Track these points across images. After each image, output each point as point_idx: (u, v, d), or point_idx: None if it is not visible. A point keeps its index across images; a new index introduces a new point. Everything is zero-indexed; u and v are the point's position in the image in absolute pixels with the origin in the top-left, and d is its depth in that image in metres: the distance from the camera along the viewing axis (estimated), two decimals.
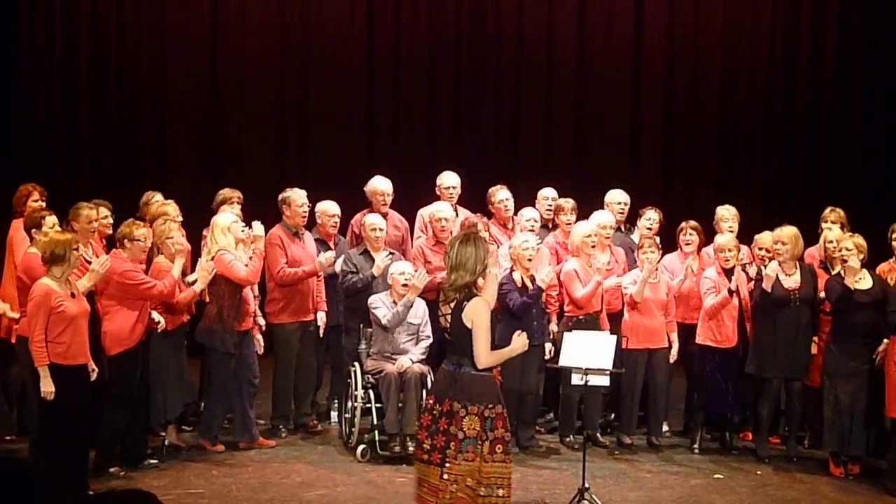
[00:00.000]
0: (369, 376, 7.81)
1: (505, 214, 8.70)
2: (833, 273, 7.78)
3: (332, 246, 8.48)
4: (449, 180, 8.87)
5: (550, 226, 8.82)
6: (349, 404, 7.91)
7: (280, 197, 8.32)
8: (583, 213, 8.62)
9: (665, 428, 8.39)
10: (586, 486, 6.55)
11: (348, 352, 8.20)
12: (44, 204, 7.78)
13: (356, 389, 7.79)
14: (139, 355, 7.16)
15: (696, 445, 8.08)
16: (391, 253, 8.22)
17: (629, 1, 11.35)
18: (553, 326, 8.13)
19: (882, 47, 11.22)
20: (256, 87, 11.43)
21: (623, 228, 8.85)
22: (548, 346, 7.87)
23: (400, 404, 7.64)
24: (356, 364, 7.93)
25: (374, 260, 8.15)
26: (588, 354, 6.77)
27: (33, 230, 7.17)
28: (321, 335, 8.33)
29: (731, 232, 8.33)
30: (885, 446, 7.49)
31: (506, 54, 11.45)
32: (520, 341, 5.61)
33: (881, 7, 11.25)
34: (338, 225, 8.53)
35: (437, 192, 8.87)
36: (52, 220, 7.16)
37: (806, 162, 11.36)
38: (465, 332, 5.40)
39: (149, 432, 7.66)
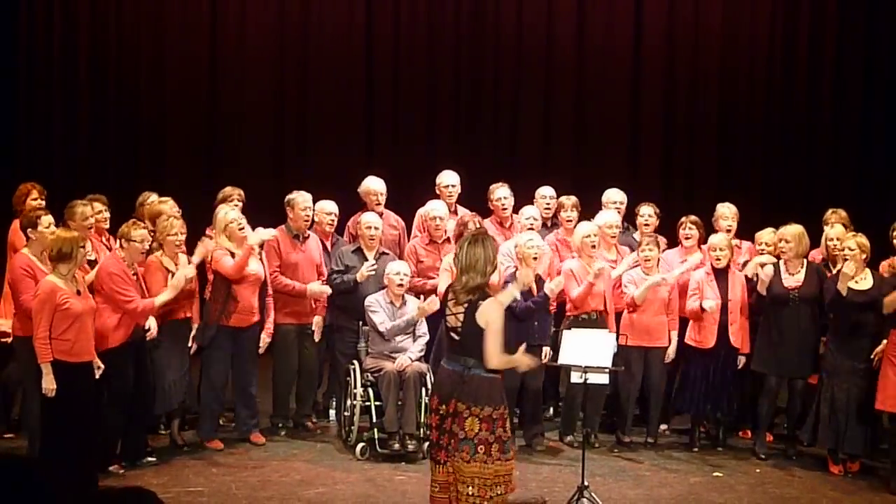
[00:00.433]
0: (368, 374, 7.82)
1: (503, 213, 8.70)
2: (833, 272, 7.79)
3: (328, 246, 8.49)
4: (448, 179, 8.87)
5: (549, 224, 8.83)
6: (348, 402, 7.92)
7: (286, 199, 8.34)
8: (583, 212, 8.63)
9: (663, 426, 8.39)
10: (586, 484, 6.54)
11: (340, 351, 8.20)
12: (43, 203, 7.79)
13: (355, 388, 7.79)
14: (130, 355, 7.10)
15: (694, 444, 8.10)
16: (385, 253, 8.21)
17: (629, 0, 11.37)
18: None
19: (881, 46, 11.22)
20: (255, 87, 11.44)
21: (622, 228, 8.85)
22: (546, 349, 7.83)
23: (399, 402, 7.65)
24: (355, 362, 7.93)
25: (365, 259, 8.16)
26: (587, 353, 6.77)
27: (29, 229, 7.17)
28: (316, 339, 8.28)
29: (729, 231, 8.33)
30: (880, 444, 7.50)
31: (505, 53, 11.45)
32: (527, 359, 5.69)
33: (880, 6, 11.25)
34: (334, 224, 8.52)
35: (437, 192, 8.87)
36: (47, 219, 7.15)
37: (805, 160, 11.36)
38: (477, 331, 5.41)
39: (149, 430, 7.67)
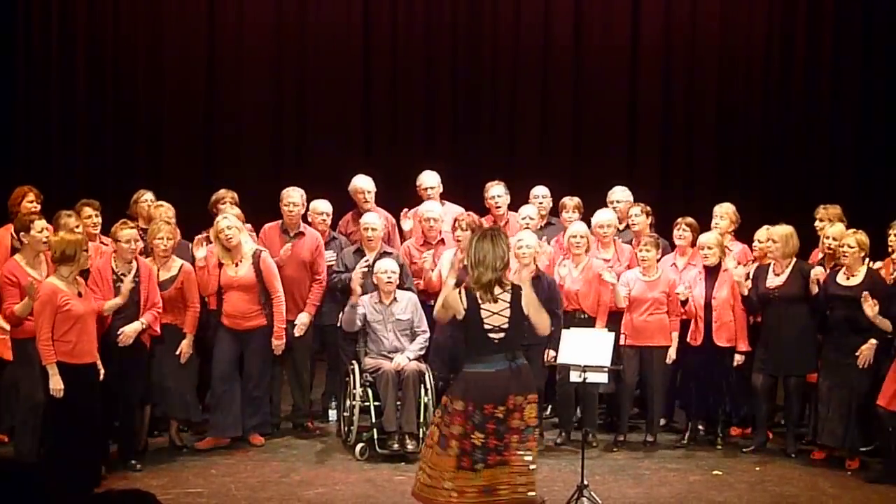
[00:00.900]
0: (367, 374, 7.81)
1: (497, 211, 8.69)
2: (828, 270, 7.83)
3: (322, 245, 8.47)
4: (427, 180, 8.85)
5: (543, 224, 8.82)
6: (347, 403, 7.91)
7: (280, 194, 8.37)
8: (583, 212, 8.65)
9: (662, 422, 8.38)
10: (585, 483, 6.55)
11: (344, 351, 8.18)
12: (38, 206, 7.78)
13: (354, 388, 7.79)
14: (110, 358, 7.04)
15: (684, 440, 8.13)
16: (387, 253, 8.19)
17: None
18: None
19: (879, 43, 11.22)
20: (253, 87, 11.42)
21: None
22: (549, 351, 7.70)
23: (398, 402, 7.65)
24: (355, 363, 7.93)
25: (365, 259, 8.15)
26: (586, 352, 6.77)
27: (21, 233, 7.17)
28: (296, 335, 8.14)
29: (715, 227, 8.34)
30: (865, 438, 7.56)
31: (503, 53, 11.44)
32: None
33: (877, 4, 11.25)
34: (326, 222, 8.50)
35: (419, 193, 8.86)
36: (40, 223, 7.14)
37: (804, 159, 11.35)
38: (523, 321, 5.65)
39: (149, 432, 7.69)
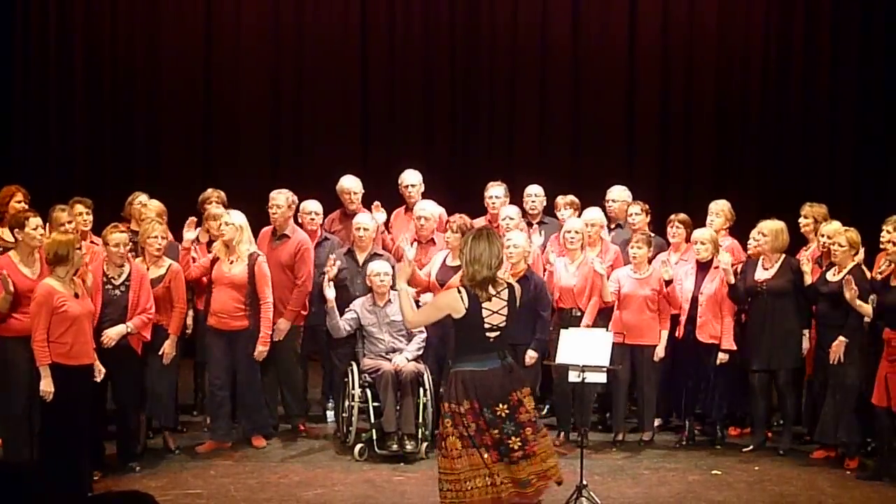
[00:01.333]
0: (366, 375, 7.81)
1: (493, 211, 8.70)
2: (824, 267, 7.88)
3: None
4: (409, 178, 8.85)
5: (536, 222, 8.83)
6: (346, 403, 7.91)
7: None
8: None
9: (657, 422, 8.38)
10: (584, 483, 6.55)
11: (336, 353, 8.17)
12: (27, 206, 7.77)
13: (353, 388, 7.78)
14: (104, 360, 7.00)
15: (683, 441, 8.13)
16: (378, 255, 8.17)
17: None
18: None
19: (876, 41, 11.20)
20: (250, 89, 11.43)
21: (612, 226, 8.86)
22: (530, 352, 7.70)
23: (397, 403, 7.64)
24: (353, 364, 7.92)
25: (356, 260, 8.16)
26: (585, 351, 6.76)
27: (16, 230, 7.17)
28: (275, 339, 8.02)
29: (710, 225, 8.36)
30: (858, 435, 7.58)
31: (501, 52, 11.42)
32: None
33: (875, 1, 11.24)
34: (315, 222, 8.47)
35: (400, 191, 8.85)
36: (35, 221, 7.12)
37: (802, 157, 11.35)
38: (515, 318, 5.72)
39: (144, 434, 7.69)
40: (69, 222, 7.49)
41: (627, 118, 11.50)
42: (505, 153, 11.38)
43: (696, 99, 11.43)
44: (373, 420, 7.73)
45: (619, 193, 8.88)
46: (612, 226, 8.81)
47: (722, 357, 7.93)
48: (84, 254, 6.87)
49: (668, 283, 7.97)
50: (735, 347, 7.96)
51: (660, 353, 8.03)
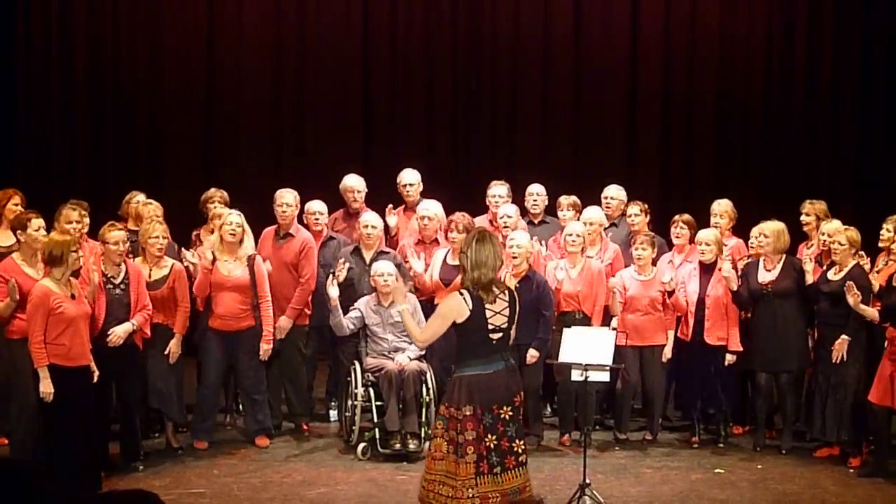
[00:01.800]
0: (369, 374, 7.82)
1: (494, 210, 8.71)
2: (825, 266, 7.90)
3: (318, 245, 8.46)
4: (407, 178, 8.86)
5: (537, 221, 8.84)
6: (349, 403, 7.91)
7: None
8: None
9: (661, 420, 8.38)
10: (587, 481, 6.56)
11: (343, 352, 8.18)
12: (22, 208, 7.78)
13: (356, 388, 7.79)
14: (106, 359, 7.01)
15: (695, 439, 8.11)
16: (384, 252, 8.19)
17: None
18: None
19: (879, 41, 11.22)
20: (252, 89, 11.43)
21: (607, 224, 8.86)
22: (531, 351, 7.75)
23: (400, 402, 7.65)
24: (356, 363, 7.93)
25: (363, 259, 8.16)
26: (588, 350, 6.77)
27: (18, 231, 7.18)
28: (277, 336, 8.04)
29: (716, 226, 8.35)
30: (859, 433, 7.58)
31: (502, 52, 11.43)
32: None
33: (877, 1, 11.24)
34: (320, 222, 8.48)
35: (398, 190, 8.86)
36: (38, 222, 7.16)
37: (804, 157, 11.35)
38: (515, 321, 5.71)
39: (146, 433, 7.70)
40: (77, 221, 7.49)
41: (629, 118, 11.50)
42: (506, 153, 11.39)
43: (697, 99, 11.43)
44: (376, 419, 7.74)
45: (616, 192, 8.91)
46: (608, 224, 8.81)
47: (730, 359, 7.95)
48: (82, 255, 6.83)
49: (671, 293, 7.94)
50: (741, 348, 7.97)
51: (667, 353, 8.04)
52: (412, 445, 7.60)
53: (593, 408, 8.16)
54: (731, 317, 7.98)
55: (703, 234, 8.12)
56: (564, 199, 8.75)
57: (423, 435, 7.61)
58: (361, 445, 7.68)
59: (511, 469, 5.57)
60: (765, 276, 7.92)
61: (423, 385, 7.73)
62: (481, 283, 5.57)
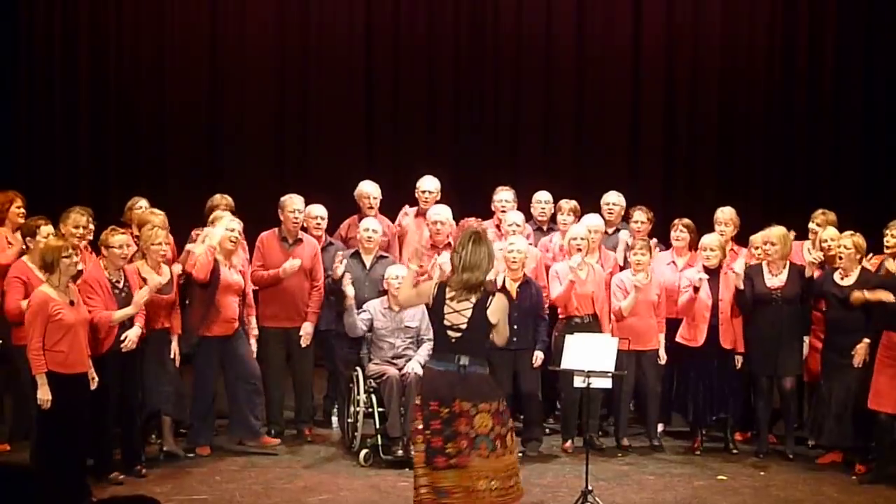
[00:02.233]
0: (371, 381, 7.81)
1: (501, 215, 8.71)
2: (826, 271, 7.89)
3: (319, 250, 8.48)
4: (425, 184, 8.86)
5: (545, 228, 8.84)
6: (351, 409, 7.91)
7: (280, 201, 8.35)
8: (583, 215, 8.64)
9: (660, 428, 8.37)
10: (589, 488, 6.55)
11: (341, 358, 8.18)
12: (25, 212, 7.79)
13: (358, 394, 7.78)
14: (115, 363, 7.03)
15: (696, 446, 8.09)
16: (383, 257, 8.19)
17: (628, 1, 11.36)
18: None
19: (882, 45, 11.22)
20: (256, 94, 11.46)
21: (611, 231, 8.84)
22: (537, 353, 7.79)
23: (402, 408, 7.64)
24: (358, 369, 7.92)
25: (363, 263, 8.16)
26: (590, 357, 6.76)
27: (28, 238, 7.18)
28: (303, 345, 8.21)
29: (721, 235, 8.34)
30: (862, 438, 7.55)
31: (505, 56, 11.46)
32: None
33: (880, 5, 11.25)
34: (321, 227, 8.50)
35: (416, 196, 8.87)
36: (47, 229, 7.19)
37: (806, 162, 11.36)
38: (485, 327, 5.56)
39: (144, 438, 7.67)
40: (84, 227, 7.48)
41: (632, 123, 11.52)
42: (509, 157, 11.40)
43: (700, 103, 11.45)
44: (378, 425, 7.73)
45: (618, 198, 8.90)
46: (612, 231, 8.81)
47: (741, 361, 7.97)
48: (74, 262, 6.76)
49: (697, 289, 7.89)
50: (745, 351, 7.99)
51: (663, 355, 8.05)
52: (414, 453, 7.57)
53: (598, 415, 8.16)
54: (738, 319, 7.98)
55: (707, 240, 8.10)
56: (565, 204, 8.73)
57: None
58: (364, 452, 7.67)
59: (441, 469, 5.51)
60: (772, 281, 7.90)
61: None
62: (469, 284, 5.54)
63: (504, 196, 8.76)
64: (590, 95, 11.49)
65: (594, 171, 11.10)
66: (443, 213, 8.48)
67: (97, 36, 11.38)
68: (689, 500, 7.02)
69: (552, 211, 8.92)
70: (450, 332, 5.57)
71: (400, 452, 7.59)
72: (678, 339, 8.06)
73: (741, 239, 8.62)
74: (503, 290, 7.54)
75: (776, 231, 7.95)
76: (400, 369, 7.76)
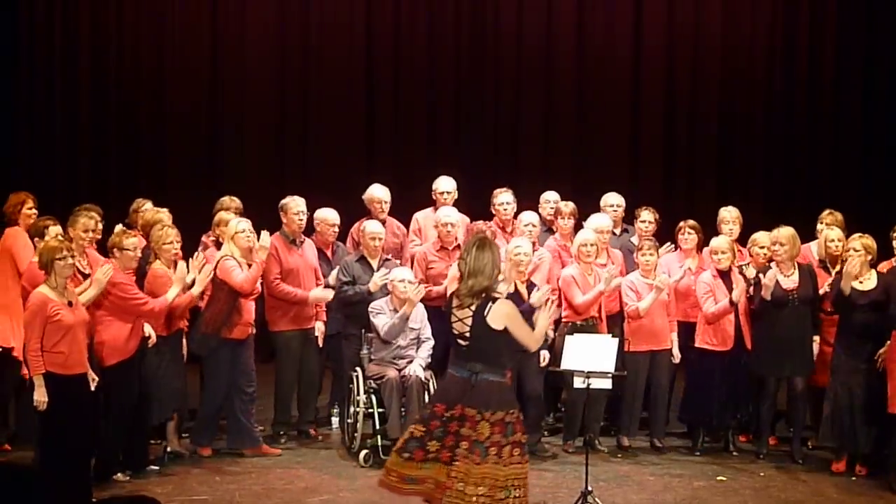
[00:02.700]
0: (371, 381, 7.81)
1: (504, 218, 8.71)
2: (834, 272, 7.83)
3: (329, 254, 8.50)
4: (443, 185, 8.88)
5: (555, 228, 8.85)
6: (351, 410, 7.91)
7: (280, 204, 8.34)
8: (584, 216, 8.63)
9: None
10: (589, 489, 6.56)
11: (348, 359, 8.19)
12: (37, 212, 7.79)
13: (358, 395, 7.79)
14: (136, 367, 7.09)
15: (696, 448, 8.08)
16: (387, 259, 8.26)
17: (628, 3, 11.37)
18: (549, 332, 8.08)
19: (882, 47, 11.23)
20: (256, 94, 11.47)
21: (618, 231, 8.86)
22: (543, 353, 7.80)
23: (402, 409, 7.64)
24: (358, 369, 7.93)
25: (371, 267, 8.17)
26: (590, 357, 6.76)
27: (36, 239, 7.19)
28: (319, 345, 8.31)
29: (730, 235, 8.34)
30: (885, 444, 7.46)
31: (505, 58, 11.47)
32: (545, 316, 5.85)
33: (880, 7, 11.25)
34: (337, 234, 8.54)
35: (433, 197, 8.89)
36: (55, 229, 7.20)
37: (807, 162, 11.37)
38: (489, 334, 5.46)
39: (149, 439, 7.66)
40: (93, 230, 7.48)
41: (632, 124, 11.52)
42: (510, 158, 11.41)
43: (700, 105, 11.46)
44: (378, 426, 7.73)
45: (620, 199, 8.91)
46: (619, 232, 8.83)
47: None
48: (71, 264, 6.75)
49: (733, 302, 7.83)
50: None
51: (677, 354, 8.07)
52: None
53: (600, 417, 8.16)
54: (746, 321, 7.99)
55: (717, 243, 8.07)
56: (565, 207, 8.72)
57: None
58: (363, 452, 7.67)
59: (417, 461, 5.47)
60: (786, 282, 7.82)
61: (426, 392, 7.71)
62: (473, 290, 5.52)
63: (506, 198, 8.75)
64: (590, 96, 11.50)
65: (594, 171, 11.11)
66: (452, 214, 8.50)
67: (97, 36, 11.40)
68: (689, 501, 7.02)
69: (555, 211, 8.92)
70: (459, 341, 5.56)
71: None
72: (700, 344, 7.97)
73: (741, 239, 8.62)
74: (511, 295, 7.47)
75: (784, 232, 7.88)
76: (400, 370, 7.76)
